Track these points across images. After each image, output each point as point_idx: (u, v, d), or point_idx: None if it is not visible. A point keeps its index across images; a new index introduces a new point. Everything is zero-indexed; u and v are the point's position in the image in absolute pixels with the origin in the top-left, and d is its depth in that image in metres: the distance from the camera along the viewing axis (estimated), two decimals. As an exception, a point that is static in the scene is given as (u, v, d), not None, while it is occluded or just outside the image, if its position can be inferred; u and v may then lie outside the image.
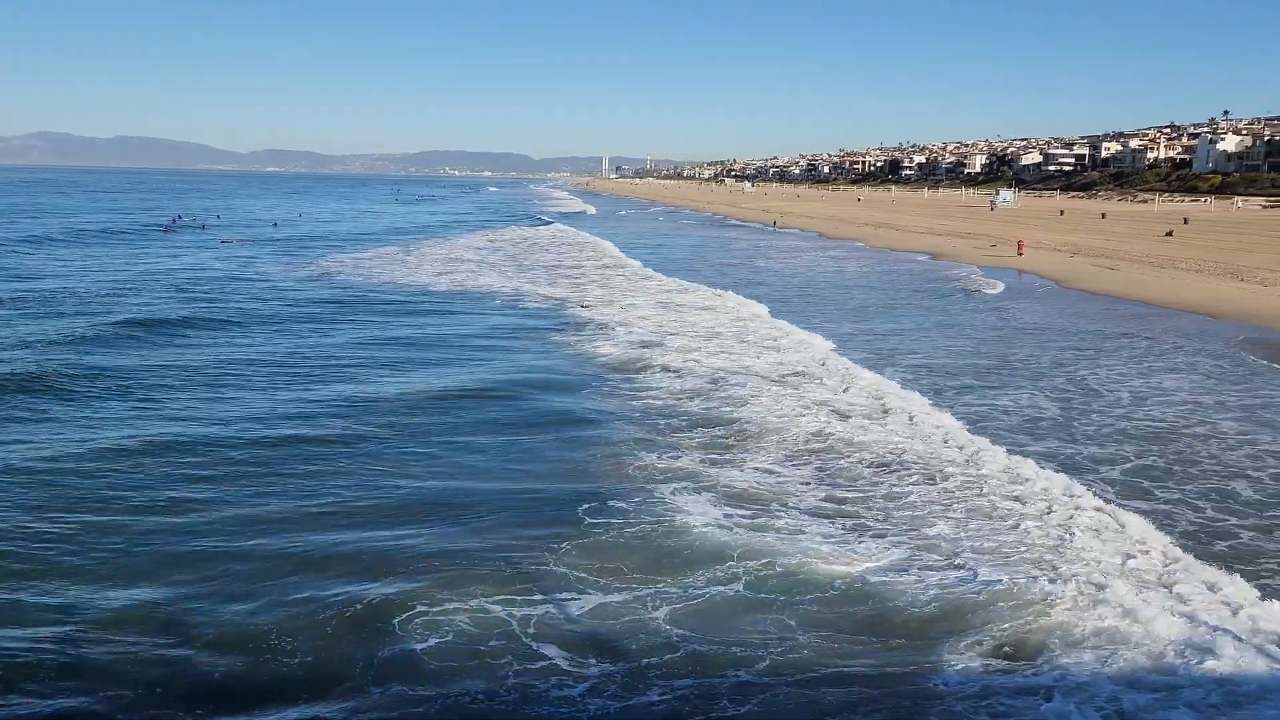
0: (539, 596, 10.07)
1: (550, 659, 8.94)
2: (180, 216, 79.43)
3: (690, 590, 10.28)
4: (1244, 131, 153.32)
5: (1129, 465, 14.92)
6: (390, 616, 9.61)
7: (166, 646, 9.07)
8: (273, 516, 12.20)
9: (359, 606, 9.80)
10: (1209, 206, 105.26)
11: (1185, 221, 75.33)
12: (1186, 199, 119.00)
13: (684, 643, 9.26)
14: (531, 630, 9.42)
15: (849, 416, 17.25)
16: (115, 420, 16.36)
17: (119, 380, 19.08)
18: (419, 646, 9.09)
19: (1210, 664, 8.88)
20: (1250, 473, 14.54)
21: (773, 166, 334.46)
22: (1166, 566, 10.93)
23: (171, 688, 8.44)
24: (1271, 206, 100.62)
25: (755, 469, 14.36)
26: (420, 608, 9.76)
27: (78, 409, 17.03)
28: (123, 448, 14.60)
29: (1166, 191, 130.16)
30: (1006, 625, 9.64)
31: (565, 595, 10.12)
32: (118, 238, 59.21)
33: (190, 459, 14.27)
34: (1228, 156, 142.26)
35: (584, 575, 10.58)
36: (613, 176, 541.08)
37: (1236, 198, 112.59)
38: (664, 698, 8.41)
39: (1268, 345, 25.09)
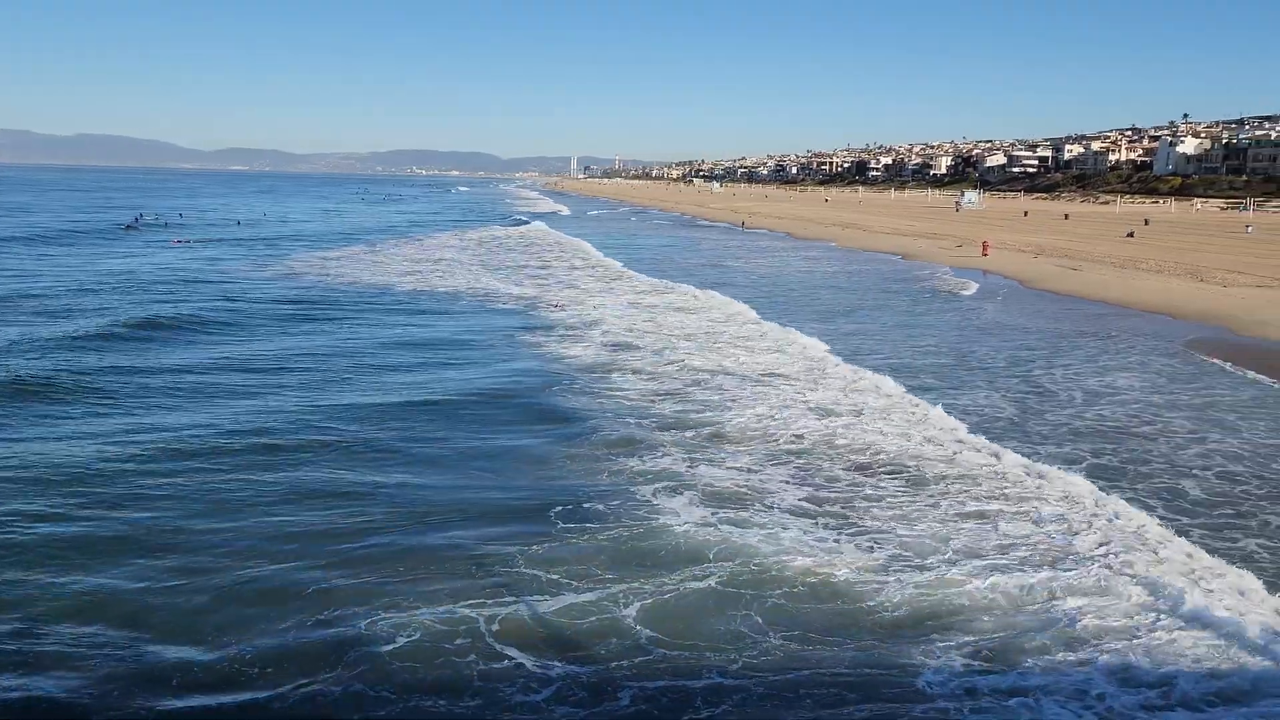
0: (509, 598, 9.98)
1: (516, 660, 8.86)
2: (142, 215, 78.29)
3: (665, 590, 10.22)
4: (1203, 135, 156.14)
5: (1084, 465, 15.05)
6: (356, 619, 9.50)
7: (126, 644, 8.93)
8: (238, 518, 12.01)
9: (324, 610, 9.68)
10: (1169, 208, 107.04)
11: (1146, 223, 76.55)
12: (1147, 200, 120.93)
13: (655, 645, 9.21)
14: (496, 628, 9.34)
15: (835, 414, 17.37)
16: (81, 421, 16.06)
17: (83, 383, 18.69)
18: (384, 649, 8.99)
19: (1205, 661, 8.86)
20: (1197, 472, 14.80)
21: (740, 167, 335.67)
22: (1161, 560, 10.98)
23: (131, 682, 8.36)
24: (1230, 208, 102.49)
25: (736, 468, 14.33)
26: (386, 611, 9.66)
27: (41, 411, 16.71)
28: (91, 448, 14.36)
29: (1128, 193, 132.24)
30: (993, 624, 9.62)
31: (537, 597, 10.04)
32: (79, 237, 58.11)
33: (152, 463, 14.01)
34: (1187, 159, 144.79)
35: (556, 577, 10.51)
36: (581, 176, 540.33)
37: (1196, 199, 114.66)
38: (635, 703, 8.34)
39: (1224, 345, 25.54)
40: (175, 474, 13.55)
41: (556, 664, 8.84)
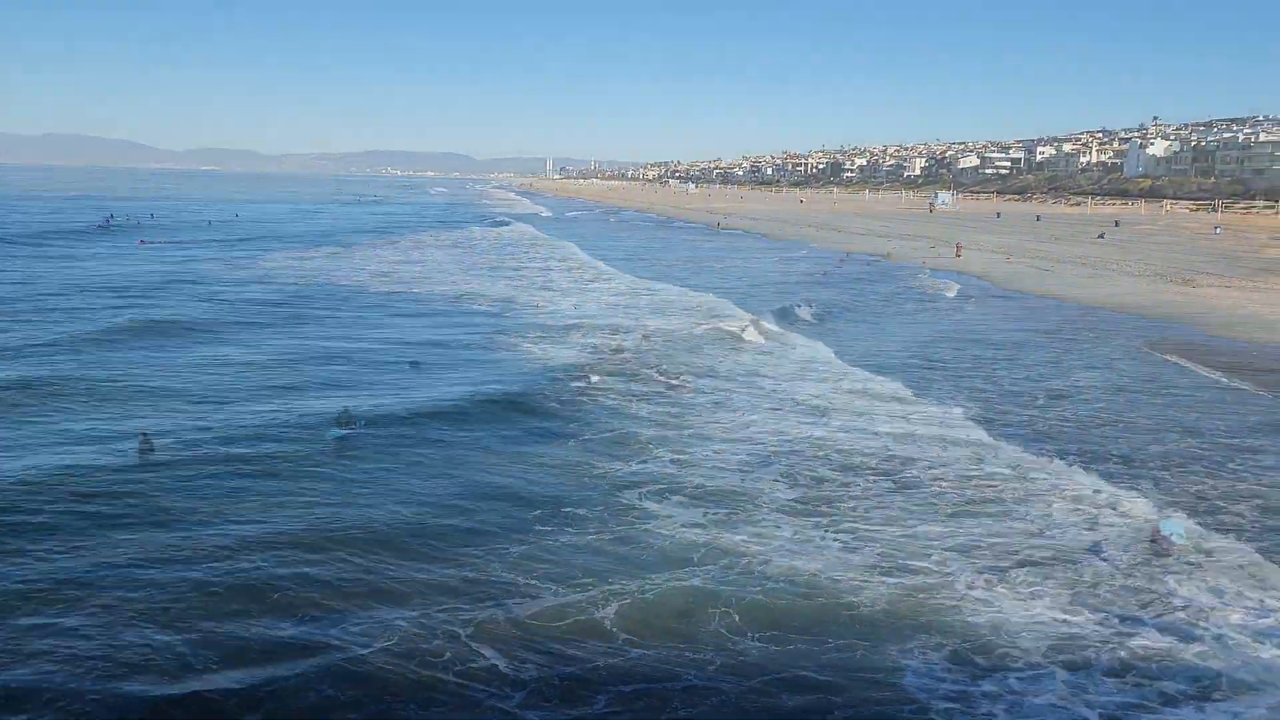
0: (486, 601, 9.95)
1: (491, 662, 8.83)
2: (113, 216, 77.47)
3: (646, 591, 10.22)
4: (1172, 137, 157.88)
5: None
6: (329, 622, 9.46)
7: (99, 640, 8.88)
8: (213, 519, 11.92)
9: (297, 611, 9.65)
10: (1139, 210, 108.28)
11: (1116, 224, 77.41)
12: (1117, 202, 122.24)
13: (632, 646, 9.23)
14: (472, 631, 9.32)
15: (824, 413, 17.50)
16: (60, 422, 15.88)
17: (61, 384, 18.55)
18: (358, 651, 8.95)
19: (1200, 659, 8.88)
20: (1156, 472, 14.92)
21: (716, 168, 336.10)
22: (1159, 556, 11.03)
23: (102, 677, 8.36)
24: (1199, 210, 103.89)
25: (722, 468, 14.35)
26: (360, 613, 9.63)
27: (20, 411, 16.52)
28: (69, 449, 14.25)
29: (1099, 195, 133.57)
30: (983, 623, 9.62)
31: (514, 600, 10.01)
32: (49, 239, 57.31)
33: (129, 463, 13.88)
34: (1157, 161, 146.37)
35: (534, 580, 10.48)
36: (556, 177, 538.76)
37: (1165, 201, 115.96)
38: (611, 705, 8.36)
39: (1188, 345, 25.93)
40: (152, 474, 13.44)
41: (532, 667, 8.81)
